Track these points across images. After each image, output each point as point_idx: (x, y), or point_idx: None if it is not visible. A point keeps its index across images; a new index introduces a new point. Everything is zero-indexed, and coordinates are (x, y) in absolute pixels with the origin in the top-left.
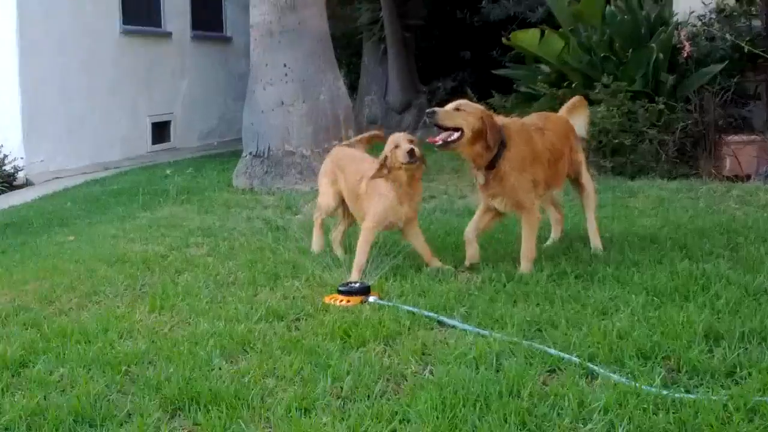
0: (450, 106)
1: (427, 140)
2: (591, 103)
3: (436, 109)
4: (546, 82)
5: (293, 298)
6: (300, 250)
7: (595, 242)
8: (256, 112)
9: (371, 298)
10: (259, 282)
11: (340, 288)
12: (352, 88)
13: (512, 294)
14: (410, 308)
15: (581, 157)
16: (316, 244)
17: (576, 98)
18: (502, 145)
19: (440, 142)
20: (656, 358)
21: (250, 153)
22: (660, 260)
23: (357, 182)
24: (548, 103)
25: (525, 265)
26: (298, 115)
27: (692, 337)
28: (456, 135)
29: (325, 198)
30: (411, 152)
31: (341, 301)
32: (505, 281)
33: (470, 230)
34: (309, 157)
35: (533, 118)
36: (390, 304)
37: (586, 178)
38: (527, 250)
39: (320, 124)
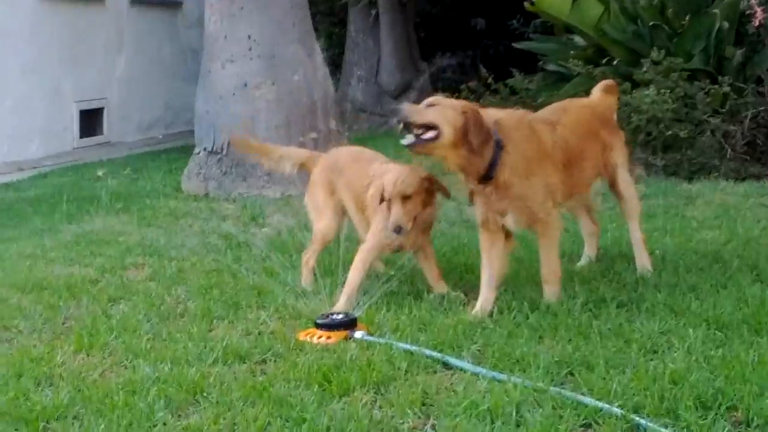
0: (422, 103)
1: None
2: (636, 85)
3: (402, 104)
4: (580, 58)
5: (258, 334)
6: (267, 272)
7: (642, 261)
8: (212, 97)
9: (358, 334)
10: (216, 313)
11: (319, 321)
12: (335, 65)
13: (537, 328)
14: (408, 346)
15: (619, 155)
16: (306, 279)
17: (606, 82)
18: (498, 147)
19: (408, 142)
20: (719, 409)
21: (205, 149)
22: (724, 284)
23: (363, 187)
24: (583, 85)
25: (550, 291)
26: (266, 101)
27: (765, 381)
28: (431, 134)
29: (324, 220)
30: (398, 229)
31: (320, 337)
32: (528, 311)
33: (485, 278)
34: None
35: (546, 111)
36: (382, 340)
37: (624, 182)
38: (550, 272)
39: (294, 111)
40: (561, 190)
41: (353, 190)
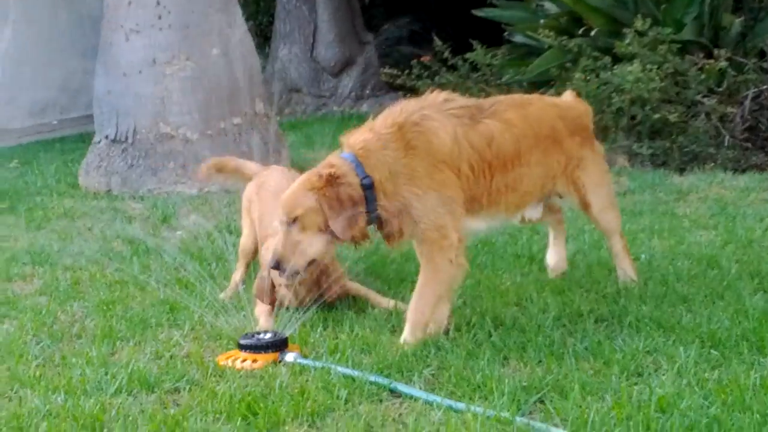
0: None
1: None
2: (618, 60)
3: (274, 256)
4: (552, 28)
5: (170, 358)
6: (182, 284)
7: (624, 268)
8: (114, 75)
9: (289, 356)
10: (119, 334)
11: (243, 341)
12: (263, 37)
13: (501, 347)
14: (348, 370)
15: (591, 174)
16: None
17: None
18: (368, 187)
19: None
20: None
21: (107, 137)
22: (721, 294)
23: (264, 230)
24: (555, 60)
25: (407, 337)
26: (180, 80)
27: None
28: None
29: (243, 235)
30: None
31: (244, 360)
32: (490, 328)
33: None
34: (195, 142)
35: (489, 100)
36: (318, 364)
37: (599, 207)
38: (416, 310)
39: (213, 92)
40: (469, 201)
41: (260, 224)
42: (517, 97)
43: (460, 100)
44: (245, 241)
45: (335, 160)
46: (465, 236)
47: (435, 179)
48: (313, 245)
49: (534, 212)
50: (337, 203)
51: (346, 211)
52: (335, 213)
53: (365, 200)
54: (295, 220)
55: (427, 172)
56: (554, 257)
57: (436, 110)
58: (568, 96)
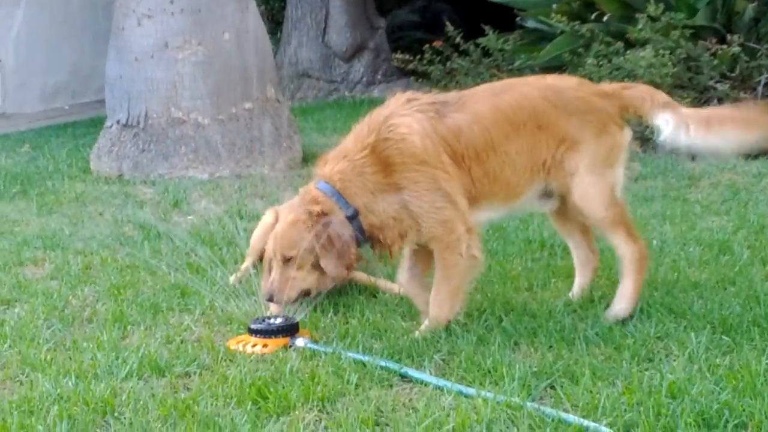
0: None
1: None
2: (631, 45)
3: (268, 290)
4: (564, 14)
5: (181, 342)
6: (192, 269)
7: (621, 291)
8: (126, 59)
9: (300, 341)
10: (130, 318)
11: (254, 326)
12: (275, 22)
13: (512, 333)
14: (359, 356)
15: (583, 157)
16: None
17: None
18: (352, 217)
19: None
20: (726, 427)
21: (118, 122)
22: (733, 280)
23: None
24: (567, 45)
25: (428, 324)
26: (191, 64)
27: None
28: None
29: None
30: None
31: (254, 345)
32: (501, 313)
33: (405, 278)
34: (207, 127)
35: (464, 92)
36: (328, 349)
37: (582, 194)
38: (438, 300)
39: (224, 76)
40: (463, 192)
41: None
42: (496, 84)
43: (424, 97)
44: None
45: (318, 195)
46: (474, 226)
47: (420, 180)
48: (307, 280)
49: (546, 205)
50: (329, 244)
51: (338, 250)
52: (327, 253)
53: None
54: (289, 258)
55: (411, 177)
56: (576, 290)
57: (400, 114)
58: (571, 78)
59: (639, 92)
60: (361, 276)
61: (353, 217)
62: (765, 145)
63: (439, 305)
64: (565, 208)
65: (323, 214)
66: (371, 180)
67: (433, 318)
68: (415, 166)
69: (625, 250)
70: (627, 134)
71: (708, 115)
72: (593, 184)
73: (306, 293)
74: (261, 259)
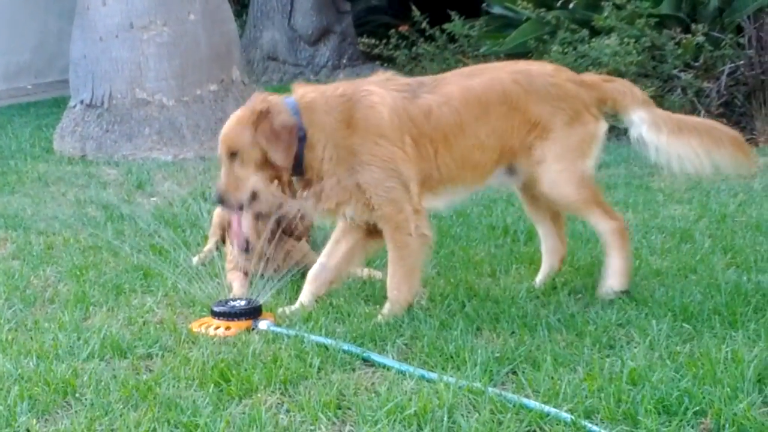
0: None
1: None
2: (596, 33)
3: (217, 188)
4: (530, 0)
5: (143, 324)
6: (155, 251)
7: (608, 267)
8: (91, 39)
9: (263, 324)
10: (92, 299)
11: (216, 308)
12: (241, 4)
13: (474, 318)
14: (321, 339)
15: (552, 146)
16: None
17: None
18: (300, 139)
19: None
20: (685, 414)
21: (82, 102)
22: (694, 268)
23: None
24: (532, 32)
25: (387, 308)
26: (156, 45)
27: (739, 382)
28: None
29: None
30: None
31: (217, 327)
32: (463, 299)
33: (313, 271)
34: (171, 108)
35: (440, 76)
36: (291, 332)
37: (551, 182)
38: (393, 285)
39: (190, 58)
40: (420, 176)
41: None
42: (471, 68)
43: (402, 79)
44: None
45: (273, 99)
46: (422, 207)
47: (377, 155)
48: (252, 178)
49: (509, 181)
50: (273, 134)
51: (283, 140)
52: (272, 144)
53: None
54: (233, 155)
55: (368, 147)
56: (541, 276)
57: (377, 85)
58: (547, 65)
59: (619, 86)
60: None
61: (300, 140)
62: (719, 174)
63: (396, 287)
64: (535, 194)
65: (268, 112)
66: (332, 125)
67: (393, 301)
68: (376, 138)
69: (604, 226)
70: (602, 126)
71: (681, 120)
72: (561, 171)
73: (254, 196)
74: (223, 240)
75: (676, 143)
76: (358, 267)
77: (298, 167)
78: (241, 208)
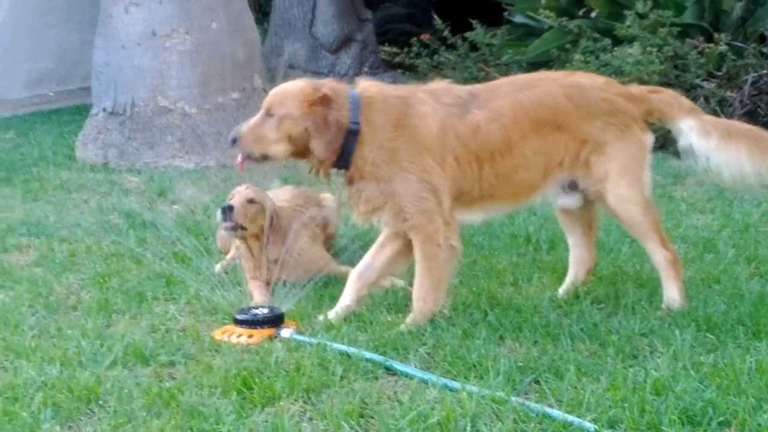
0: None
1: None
2: (619, 42)
3: (238, 129)
4: (552, 9)
5: (166, 332)
6: (178, 258)
7: (666, 286)
8: (113, 47)
9: (285, 332)
10: (115, 306)
11: (239, 316)
12: (262, 13)
13: (497, 327)
14: (344, 347)
15: (612, 161)
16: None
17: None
18: (352, 133)
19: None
20: (710, 424)
21: (104, 109)
22: (717, 278)
23: None
24: (555, 41)
25: (413, 318)
26: (178, 53)
27: (763, 393)
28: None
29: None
30: (227, 210)
31: (240, 335)
32: (486, 308)
33: (357, 269)
34: (194, 116)
35: (490, 85)
36: (314, 341)
37: (617, 198)
38: (419, 295)
39: (212, 66)
40: (455, 195)
41: None
42: (524, 78)
43: (458, 89)
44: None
45: (340, 91)
46: (453, 220)
47: (416, 165)
48: (276, 144)
49: (568, 200)
50: (324, 124)
51: (330, 134)
52: (318, 133)
53: (343, 144)
54: (271, 114)
55: (409, 156)
56: (565, 287)
57: (432, 96)
58: (599, 77)
59: (665, 97)
60: (341, 268)
61: (353, 133)
62: (764, 182)
63: (422, 298)
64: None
65: (329, 99)
66: (382, 127)
67: (417, 311)
68: (419, 149)
69: (660, 256)
70: (650, 138)
71: (731, 125)
72: (629, 187)
73: (264, 158)
74: None
75: (725, 148)
76: (400, 271)
77: (344, 161)
78: (248, 158)
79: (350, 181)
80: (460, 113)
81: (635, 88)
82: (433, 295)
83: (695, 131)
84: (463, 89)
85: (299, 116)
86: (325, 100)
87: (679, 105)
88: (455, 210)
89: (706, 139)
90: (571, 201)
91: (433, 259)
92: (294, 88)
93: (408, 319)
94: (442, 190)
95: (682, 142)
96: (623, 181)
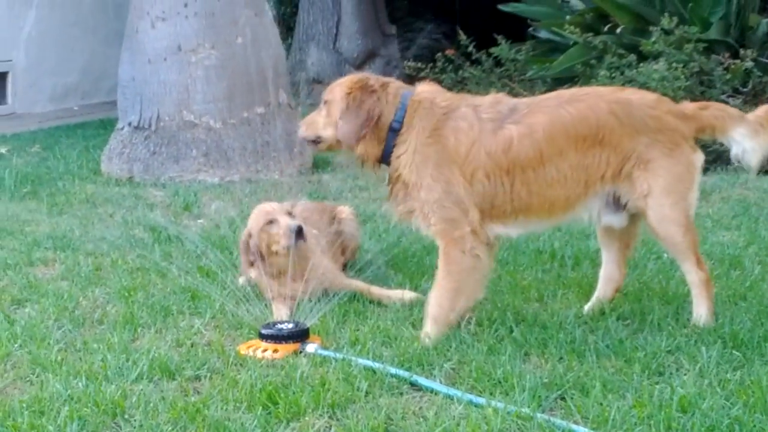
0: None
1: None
2: (644, 58)
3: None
4: (577, 25)
5: (191, 346)
6: (203, 272)
7: (697, 305)
8: (139, 61)
9: (310, 347)
10: (141, 320)
11: (264, 331)
12: (287, 27)
13: (522, 343)
14: (369, 363)
15: (657, 178)
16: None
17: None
18: (392, 130)
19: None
20: None
21: (130, 123)
22: (744, 295)
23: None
24: (580, 56)
25: (427, 330)
26: (204, 68)
27: None
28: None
29: None
30: (299, 231)
31: (265, 350)
32: (511, 323)
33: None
34: (219, 131)
35: (536, 99)
36: (339, 356)
37: (658, 217)
38: (433, 306)
39: (237, 81)
40: (488, 205)
41: None
42: (570, 93)
43: (504, 103)
44: None
45: (392, 83)
46: (482, 231)
47: (444, 175)
48: (325, 129)
49: (614, 219)
50: (356, 107)
51: (359, 118)
52: (348, 114)
53: (385, 140)
54: (326, 102)
55: (439, 165)
56: (592, 303)
57: (473, 110)
58: (649, 94)
59: (715, 112)
60: (357, 284)
61: (395, 130)
62: None
63: (438, 303)
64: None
65: (369, 87)
66: (421, 131)
67: (431, 316)
68: (448, 162)
69: (695, 277)
70: (699, 157)
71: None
72: (672, 207)
73: (317, 141)
74: None
75: None
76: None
77: (386, 157)
78: (306, 142)
79: (390, 180)
80: (494, 128)
81: (687, 106)
82: (448, 301)
83: (748, 136)
84: (508, 103)
85: (339, 99)
86: (365, 88)
87: (729, 117)
88: (488, 223)
89: (759, 137)
90: (617, 220)
91: (454, 264)
92: (345, 78)
93: (425, 327)
94: (467, 202)
95: (736, 151)
96: (667, 200)
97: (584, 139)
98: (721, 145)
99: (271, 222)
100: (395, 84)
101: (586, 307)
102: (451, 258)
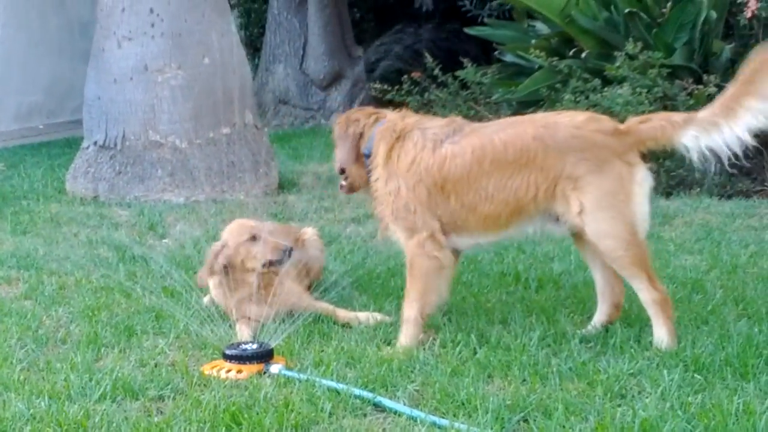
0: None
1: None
2: (609, 82)
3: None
4: (543, 49)
5: (155, 366)
6: (167, 293)
7: (655, 326)
8: (105, 81)
9: (274, 368)
10: (104, 340)
11: (228, 351)
12: (253, 48)
13: (486, 365)
14: (333, 384)
15: (586, 195)
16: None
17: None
18: (366, 157)
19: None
20: None
21: (95, 143)
22: (705, 319)
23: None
24: (545, 80)
25: (402, 337)
26: (170, 88)
27: None
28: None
29: None
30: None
31: (229, 371)
32: (475, 345)
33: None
34: (184, 151)
35: (475, 125)
36: (303, 377)
37: (595, 231)
38: (407, 300)
39: (203, 101)
40: (435, 216)
41: None
42: (512, 119)
43: (454, 125)
44: None
45: (372, 114)
46: (438, 234)
47: (396, 189)
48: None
49: (556, 229)
50: (343, 136)
51: (345, 145)
52: (337, 142)
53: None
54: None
55: (393, 181)
56: (592, 328)
57: (422, 132)
58: (582, 115)
59: (655, 123)
60: (321, 305)
61: (366, 156)
62: None
63: (409, 305)
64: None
65: (353, 118)
66: (380, 153)
67: (404, 319)
68: (398, 177)
69: (647, 296)
70: (638, 171)
71: (722, 103)
72: (608, 221)
73: (341, 172)
74: None
75: (741, 121)
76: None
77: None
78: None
79: (373, 201)
80: (434, 147)
81: (626, 123)
82: (418, 302)
83: (702, 136)
84: (456, 126)
85: (335, 134)
86: (350, 118)
87: (671, 124)
88: (443, 232)
89: (718, 131)
90: (558, 230)
91: (416, 268)
92: (353, 109)
93: (400, 336)
94: (419, 211)
95: (693, 156)
96: (601, 214)
97: (510, 163)
98: (685, 168)
99: (254, 238)
100: (373, 112)
101: (588, 328)
102: (414, 262)
